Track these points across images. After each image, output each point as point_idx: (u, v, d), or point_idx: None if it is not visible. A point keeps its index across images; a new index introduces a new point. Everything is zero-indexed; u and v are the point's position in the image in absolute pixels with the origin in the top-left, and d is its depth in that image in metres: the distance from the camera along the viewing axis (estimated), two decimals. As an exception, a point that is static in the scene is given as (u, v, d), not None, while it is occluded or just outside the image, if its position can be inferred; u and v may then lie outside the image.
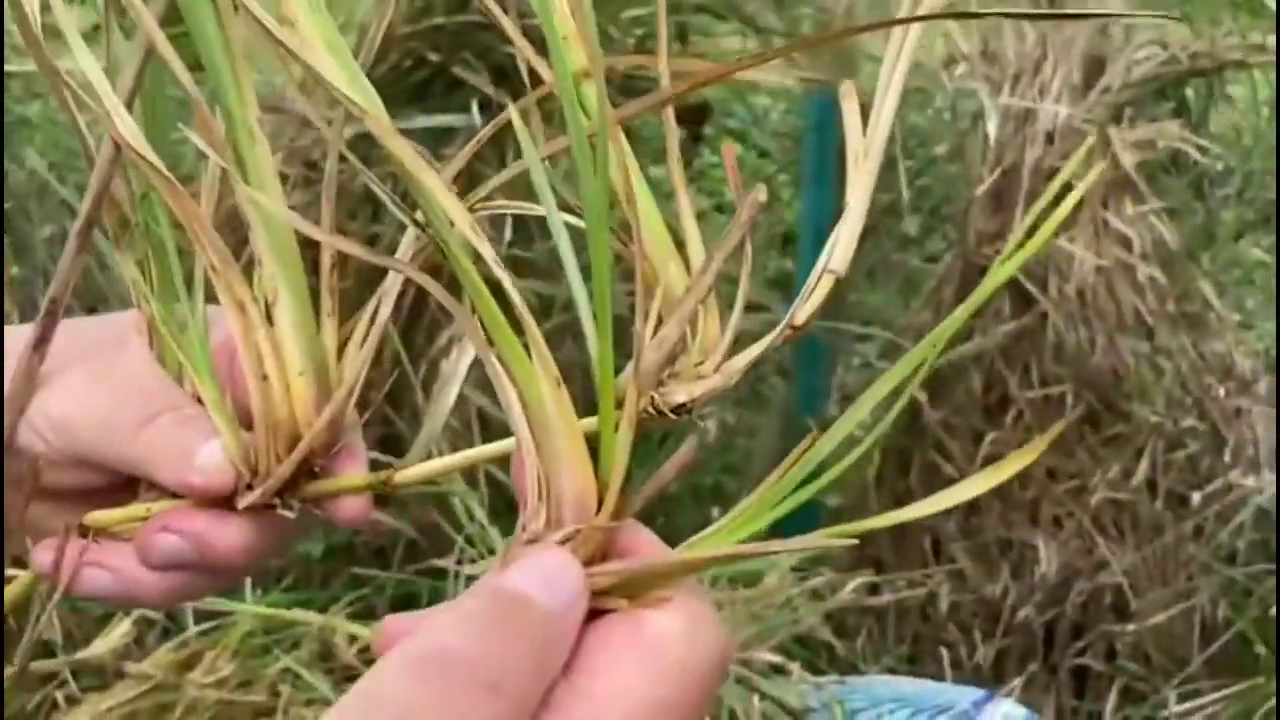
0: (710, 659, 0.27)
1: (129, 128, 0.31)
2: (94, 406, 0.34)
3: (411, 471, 0.34)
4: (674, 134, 0.35)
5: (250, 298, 0.32)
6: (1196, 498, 1.55)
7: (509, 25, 0.34)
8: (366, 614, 1.33)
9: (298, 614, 1.15)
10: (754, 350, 0.33)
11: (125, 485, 0.35)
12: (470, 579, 1.17)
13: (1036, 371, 1.57)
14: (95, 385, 0.34)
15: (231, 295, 0.31)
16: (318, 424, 0.32)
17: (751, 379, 1.94)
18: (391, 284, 0.34)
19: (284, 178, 1.55)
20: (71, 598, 0.32)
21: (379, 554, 1.53)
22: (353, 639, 1.16)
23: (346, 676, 1.16)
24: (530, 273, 1.63)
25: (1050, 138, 1.57)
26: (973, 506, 1.61)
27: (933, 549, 1.62)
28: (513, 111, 0.32)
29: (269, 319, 0.32)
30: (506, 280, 0.28)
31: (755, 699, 0.97)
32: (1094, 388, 1.55)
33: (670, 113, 0.35)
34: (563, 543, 0.28)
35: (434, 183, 0.28)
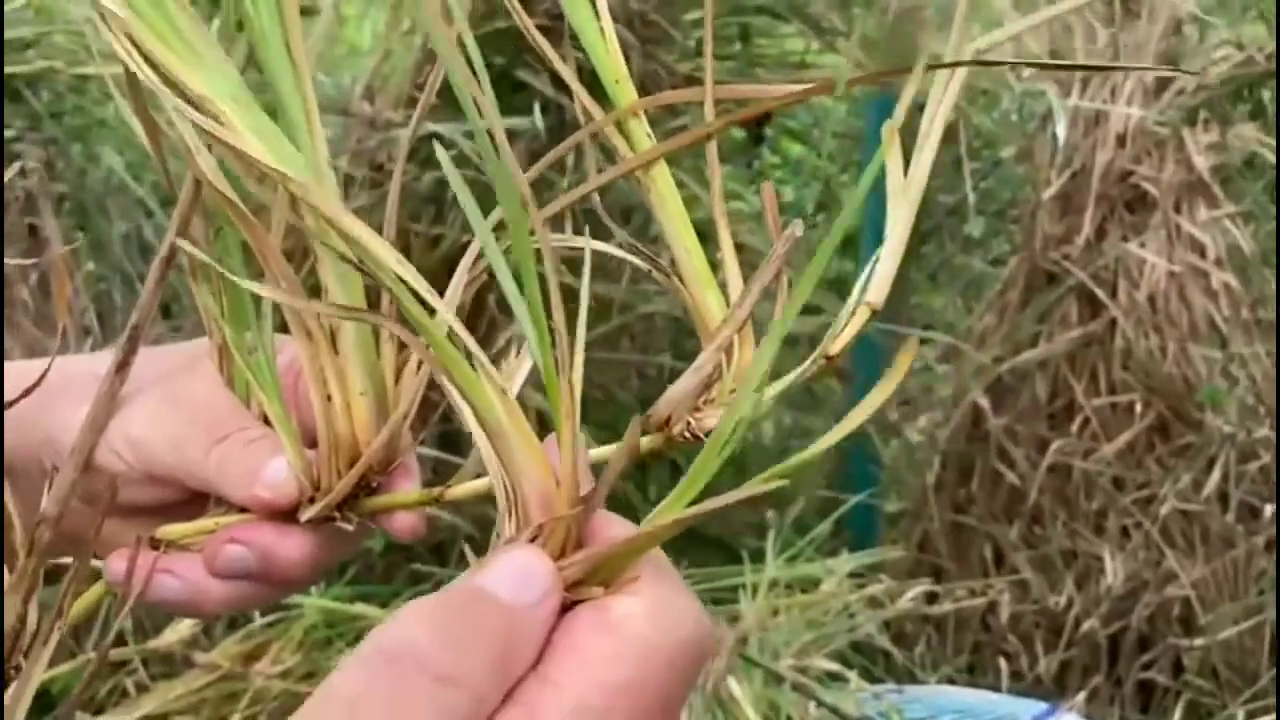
0: (677, 638, 0.27)
1: (209, 165, 0.32)
2: (169, 427, 0.36)
3: (460, 489, 0.35)
4: (718, 173, 0.36)
5: (316, 324, 0.33)
6: (1269, 510, 1.51)
7: (563, 68, 0.36)
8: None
9: (360, 608, 1.17)
10: (786, 381, 0.33)
11: (195, 501, 0.37)
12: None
13: (1105, 379, 1.54)
14: (170, 408, 0.36)
15: (299, 322, 0.33)
16: (376, 442, 0.34)
17: (806, 380, 1.92)
18: (451, 301, 0.35)
19: (349, 179, 1.58)
20: (142, 603, 0.34)
21: (438, 550, 1.54)
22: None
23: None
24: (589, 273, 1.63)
25: (1122, 140, 1.53)
26: (1036, 516, 1.58)
27: (994, 558, 1.59)
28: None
29: (333, 344, 0.34)
30: (447, 314, 0.30)
31: (811, 706, 0.96)
32: (1164, 396, 1.52)
33: (714, 148, 0.36)
34: (531, 540, 0.28)
35: (370, 238, 0.29)
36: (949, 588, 1.49)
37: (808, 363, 0.33)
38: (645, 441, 0.34)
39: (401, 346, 0.35)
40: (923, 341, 1.83)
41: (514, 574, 0.27)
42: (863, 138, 1.95)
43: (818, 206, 2.22)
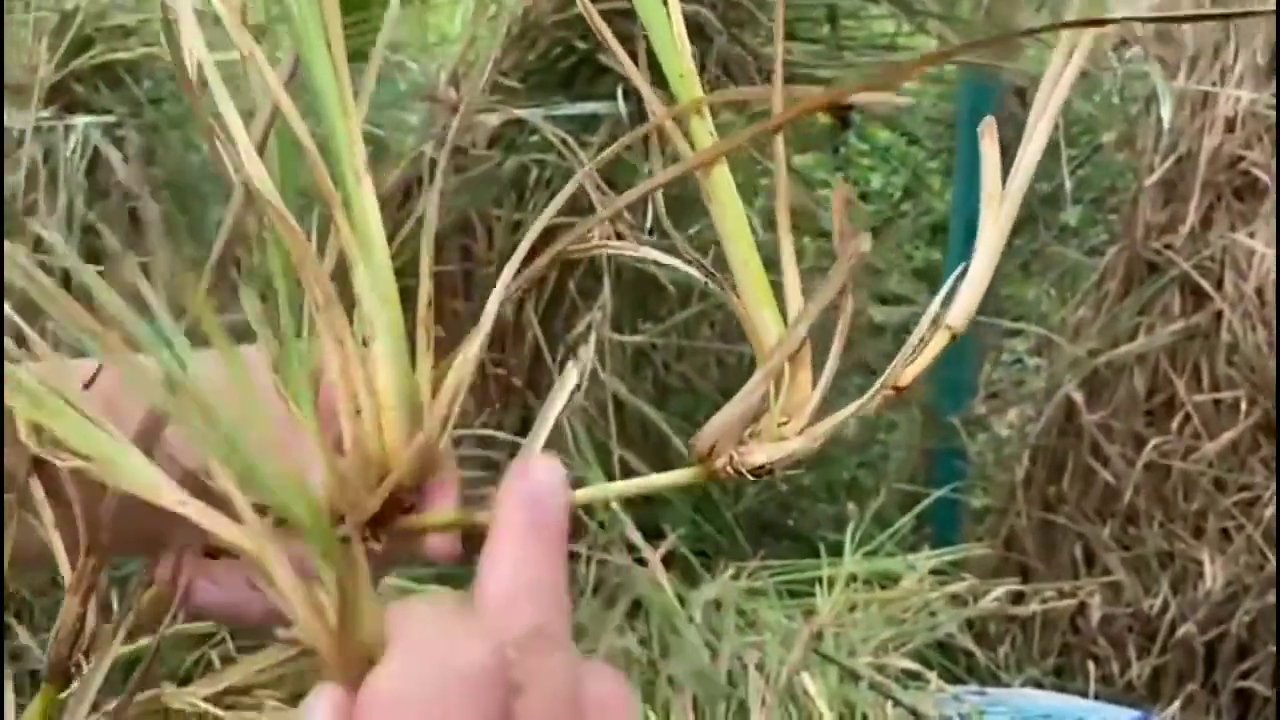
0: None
1: (257, 170, 0.31)
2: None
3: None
4: (785, 182, 0.34)
5: (349, 334, 0.32)
6: (1384, 516, 1.43)
7: (626, 59, 0.35)
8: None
9: (434, 589, 1.17)
10: (843, 414, 0.31)
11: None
12: (601, 563, 1.17)
13: (1208, 374, 1.47)
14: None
15: (332, 331, 0.32)
16: (404, 457, 0.32)
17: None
18: (484, 323, 0.34)
19: (433, 164, 1.59)
20: (185, 609, 0.33)
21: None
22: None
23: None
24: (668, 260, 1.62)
25: (1230, 124, 1.46)
26: (1131, 516, 1.52)
27: (1084, 558, 1.54)
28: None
29: (365, 356, 0.33)
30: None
31: (889, 706, 0.94)
32: (1271, 393, 1.44)
33: (780, 147, 0.34)
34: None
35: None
36: (1036, 588, 1.45)
37: (870, 393, 0.31)
38: (686, 474, 0.32)
39: (438, 358, 0.34)
40: (1014, 334, 1.78)
41: None
42: (954, 122, 1.89)
43: (904, 194, 2.16)
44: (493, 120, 1.58)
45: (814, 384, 0.31)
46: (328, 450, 0.32)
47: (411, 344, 0.33)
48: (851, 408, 0.30)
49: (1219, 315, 1.46)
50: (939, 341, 0.31)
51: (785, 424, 0.31)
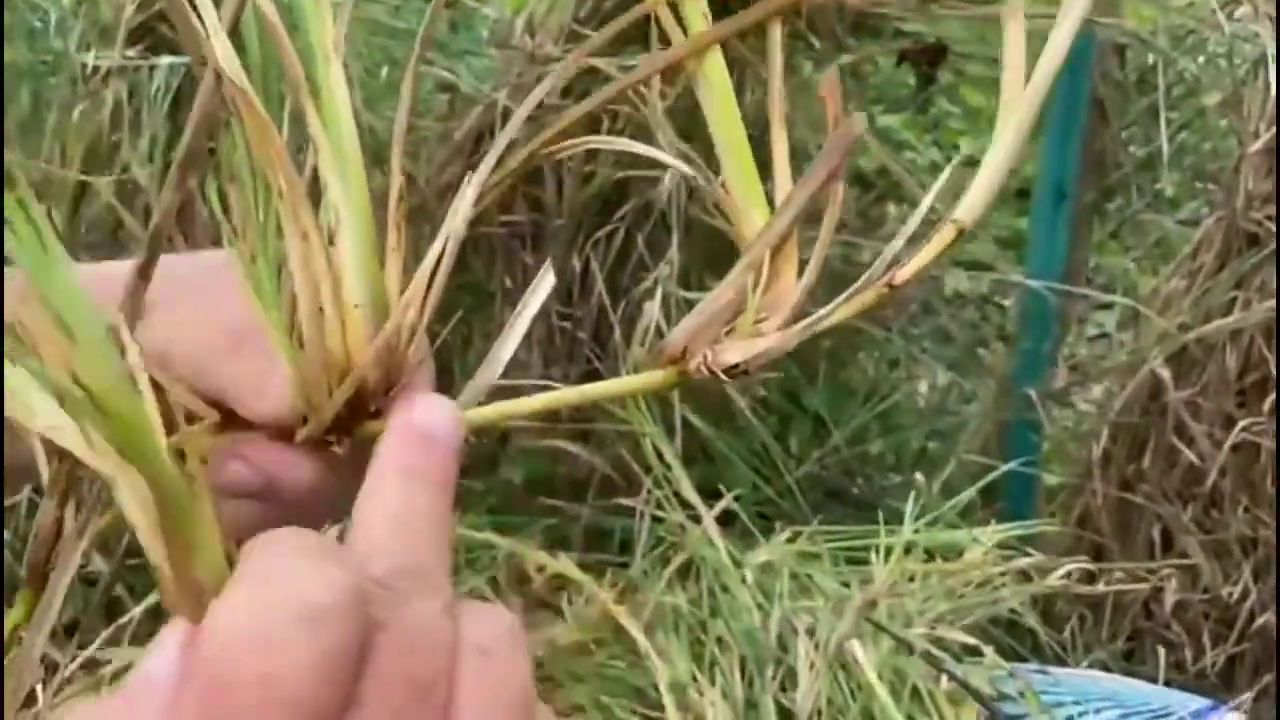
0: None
1: (225, 51, 0.30)
2: (189, 337, 0.34)
3: (476, 413, 0.32)
4: (778, 70, 0.31)
5: (313, 225, 0.30)
6: None
7: None
8: (559, 544, 1.36)
9: (489, 536, 1.17)
10: (827, 311, 0.28)
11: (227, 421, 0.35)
12: (656, 520, 1.16)
13: (1305, 353, 1.39)
14: (191, 317, 0.35)
15: (295, 222, 0.30)
16: (365, 358, 0.31)
17: (970, 341, 1.83)
18: (459, 221, 0.32)
19: (507, 113, 1.57)
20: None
21: (576, 486, 1.55)
22: (540, 568, 1.18)
23: (537, 603, 1.18)
24: (705, 208, 1.58)
25: (1345, 89, 1.37)
26: (1214, 499, 1.46)
27: (1162, 540, 1.48)
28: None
29: (330, 252, 0.31)
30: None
31: (943, 680, 0.91)
32: (1375, 376, 1.36)
33: (776, 37, 0.31)
34: None
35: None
36: (1108, 568, 1.40)
37: (857, 285, 0.28)
38: (656, 376, 0.30)
39: (413, 255, 0.32)
40: (1100, 306, 1.71)
41: None
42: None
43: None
44: (568, 69, 1.55)
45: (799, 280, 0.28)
46: (291, 349, 0.31)
47: (381, 243, 0.31)
48: (835, 303, 0.28)
49: (1322, 292, 1.38)
50: (944, 237, 0.28)
51: (763, 320, 0.28)
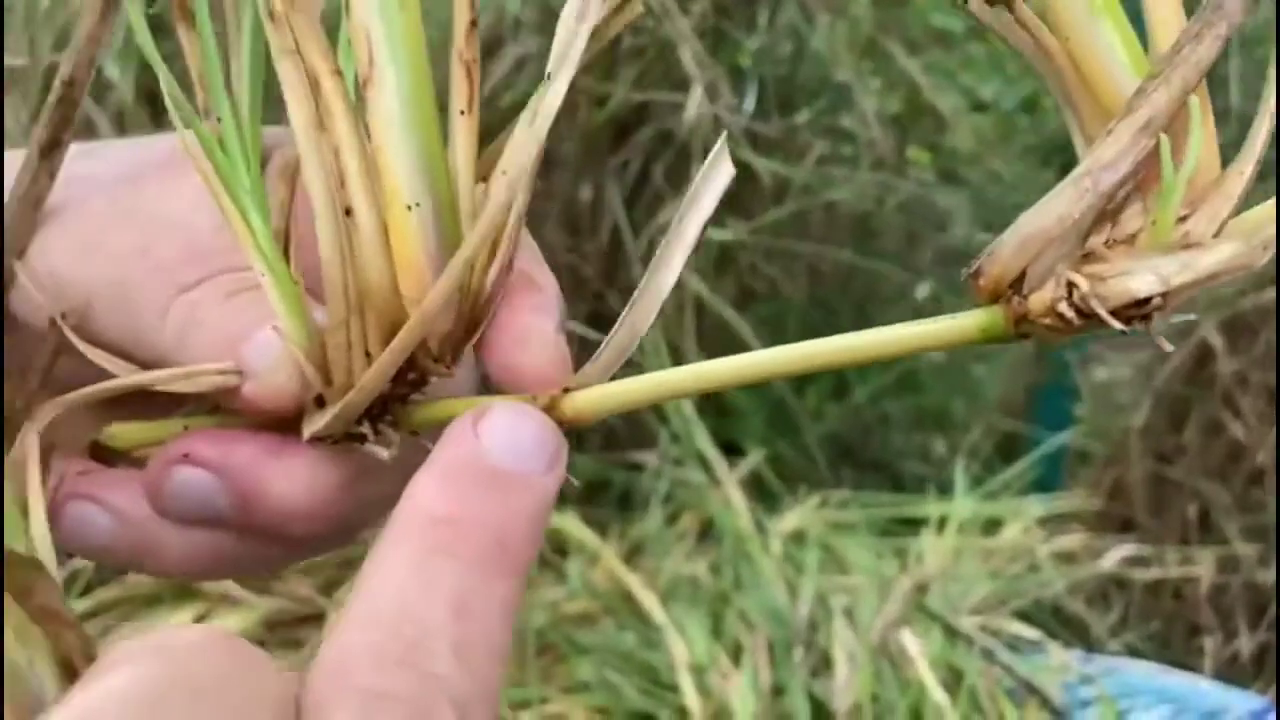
0: None
1: None
2: (108, 258, 0.21)
3: (587, 396, 0.21)
4: None
5: (331, 70, 0.18)
6: None
7: None
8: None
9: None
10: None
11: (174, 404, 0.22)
12: (659, 474, 1.06)
13: (1378, 328, 1.29)
14: (119, 229, 0.21)
15: (298, 67, 0.18)
16: (432, 297, 0.17)
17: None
18: (561, 82, 0.20)
19: (517, 22, 1.44)
20: (63, 547, 0.20)
21: (576, 435, 1.45)
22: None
23: (538, 561, 1.09)
24: (767, 149, 1.47)
25: None
26: (1256, 479, 1.37)
27: (1199, 520, 1.39)
28: None
29: (360, 113, 0.18)
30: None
31: (997, 672, 0.82)
32: None
33: None
34: None
35: None
36: (1141, 551, 1.31)
37: None
38: (969, 323, 0.19)
39: (488, 138, 0.20)
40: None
41: None
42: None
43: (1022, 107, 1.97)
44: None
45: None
46: (290, 284, 0.19)
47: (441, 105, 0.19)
48: None
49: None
50: None
51: (1186, 218, 0.17)
